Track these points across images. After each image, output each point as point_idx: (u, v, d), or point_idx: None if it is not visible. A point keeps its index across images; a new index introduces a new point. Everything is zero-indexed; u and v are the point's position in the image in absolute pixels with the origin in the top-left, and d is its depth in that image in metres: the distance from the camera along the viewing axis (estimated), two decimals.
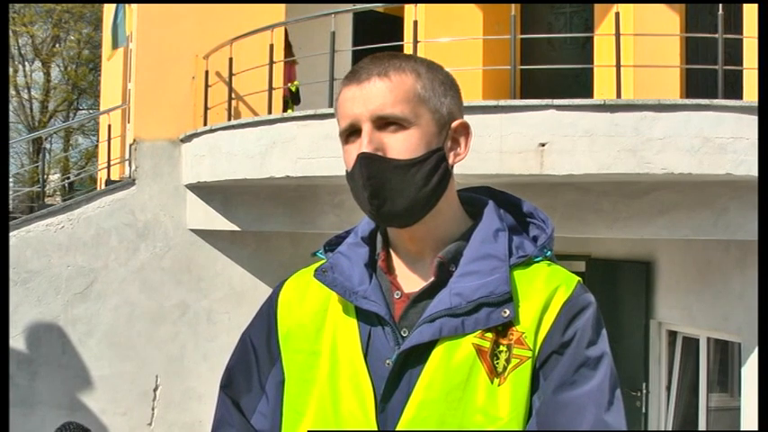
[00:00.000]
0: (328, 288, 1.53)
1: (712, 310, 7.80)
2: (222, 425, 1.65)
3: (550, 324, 1.43)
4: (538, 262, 1.51)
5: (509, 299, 1.43)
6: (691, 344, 8.41)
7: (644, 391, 8.55)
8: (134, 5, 9.67)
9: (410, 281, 1.52)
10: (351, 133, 1.48)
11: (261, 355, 1.61)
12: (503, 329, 1.43)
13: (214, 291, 9.24)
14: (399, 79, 1.46)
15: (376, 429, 1.42)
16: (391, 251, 1.56)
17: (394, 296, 1.50)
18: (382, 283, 1.51)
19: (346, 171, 1.50)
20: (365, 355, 1.47)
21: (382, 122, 1.45)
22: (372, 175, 1.44)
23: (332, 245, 1.63)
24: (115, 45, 10.57)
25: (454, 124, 1.52)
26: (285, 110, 9.80)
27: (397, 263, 1.55)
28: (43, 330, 8.63)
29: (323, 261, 1.59)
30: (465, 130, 1.54)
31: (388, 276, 1.52)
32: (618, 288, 8.86)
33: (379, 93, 1.45)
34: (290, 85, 9.92)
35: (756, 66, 6.08)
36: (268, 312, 1.63)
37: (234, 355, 1.67)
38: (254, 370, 1.61)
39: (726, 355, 8.11)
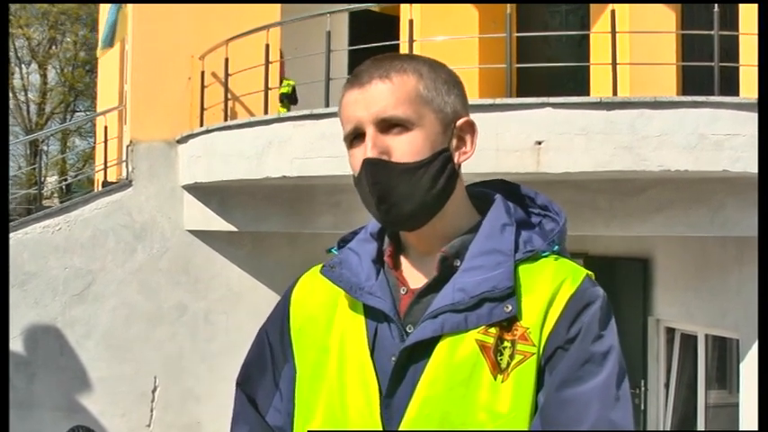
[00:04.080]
0: (334, 284, 1.53)
1: (710, 307, 7.80)
2: (238, 421, 1.65)
3: (555, 319, 1.41)
4: (546, 256, 1.49)
5: (512, 294, 1.41)
6: (689, 341, 8.42)
7: (642, 389, 8.55)
8: (129, 6, 9.66)
9: (416, 276, 1.51)
10: (355, 137, 1.47)
11: (276, 351, 1.61)
12: (507, 325, 1.41)
13: (212, 291, 9.23)
14: (401, 80, 1.45)
15: (380, 425, 1.42)
16: (399, 247, 1.55)
17: (400, 292, 1.50)
18: (389, 279, 1.51)
19: (353, 176, 1.49)
20: (372, 351, 1.47)
21: (385, 125, 1.44)
22: (378, 181, 1.43)
23: (345, 241, 1.62)
24: (107, 44, 10.55)
25: (459, 122, 1.51)
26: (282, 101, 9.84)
27: (404, 259, 1.54)
28: (41, 332, 8.61)
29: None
30: (470, 127, 1.53)
31: (394, 272, 1.52)
32: (615, 285, 8.84)
33: (380, 95, 1.44)
34: (282, 85, 9.89)
35: (752, 62, 6.09)
36: (282, 309, 1.63)
37: (250, 351, 1.67)
38: (269, 366, 1.62)
39: (724, 352, 8.12)
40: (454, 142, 1.50)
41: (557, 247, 1.50)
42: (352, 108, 1.46)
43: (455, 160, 1.49)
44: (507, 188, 1.61)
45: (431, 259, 1.50)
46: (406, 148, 1.44)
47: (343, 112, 1.49)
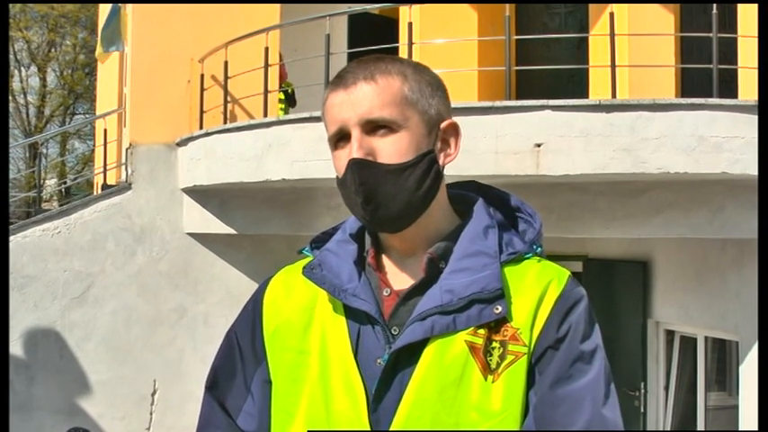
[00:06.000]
0: (317, 285, 1.51)
1: (710, 309, 7.80)
2: (207, 426, 1.63)
3: (545, 319, 1.43)
4: (528, 258, 1.50)
5: (501, 295, 1.42)
6: (688, 343, 8.42)
7: (642, 391, 8.55)
8: (129, 9, 9.66)
9: (399, 278, 1.50)
10: (339, 139, 1.47)
11: (246, 354, 1.60)
12: (495, 326, 1.42)
13: (211, 294, 9.23)
14: (386, 82, 1.45)
15: (369, 429, 1.41)
16: (381, 248, 1.55)
17: (383, 294, 1.49)
18: (371, 281, 1.50)
19: (337, 177, 1.49)
20: (355, 354, 1.45)
21: (371, 126, 1.44)
22: (364, 181, 1.43)
23: (318, 242, 1.61)
24: (107, 48, 10.52)
25: (443, 125, 1.51)
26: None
27: (387, 260, 1.53)
28: (40, 335, 8.61)
29: (310, 258, 1.58)
30: (454, 130, 1.53)
31: (377, 273, 1.51)
32: (615, 288, 8.86)
33: (366, 97, 1.44)
34: (282, 87, 9.91)
35: (751, 64, 6.10)
36: (253, 310, 1.62)
37: (219, 355, 1.66)
38: (239, 370, 1.60)
39: (723, 354, 8.12)
40: (438, 144, 1.50)
41: (539, 249, 1.52)
42: (338, 110, 1.46)
43: (439, 162, 1.49)
44: (481, 190, 1.62)
45: (413, 261, 1.50)
46: (391, 150, 1.43)
47: (327, 114, 1.50)
